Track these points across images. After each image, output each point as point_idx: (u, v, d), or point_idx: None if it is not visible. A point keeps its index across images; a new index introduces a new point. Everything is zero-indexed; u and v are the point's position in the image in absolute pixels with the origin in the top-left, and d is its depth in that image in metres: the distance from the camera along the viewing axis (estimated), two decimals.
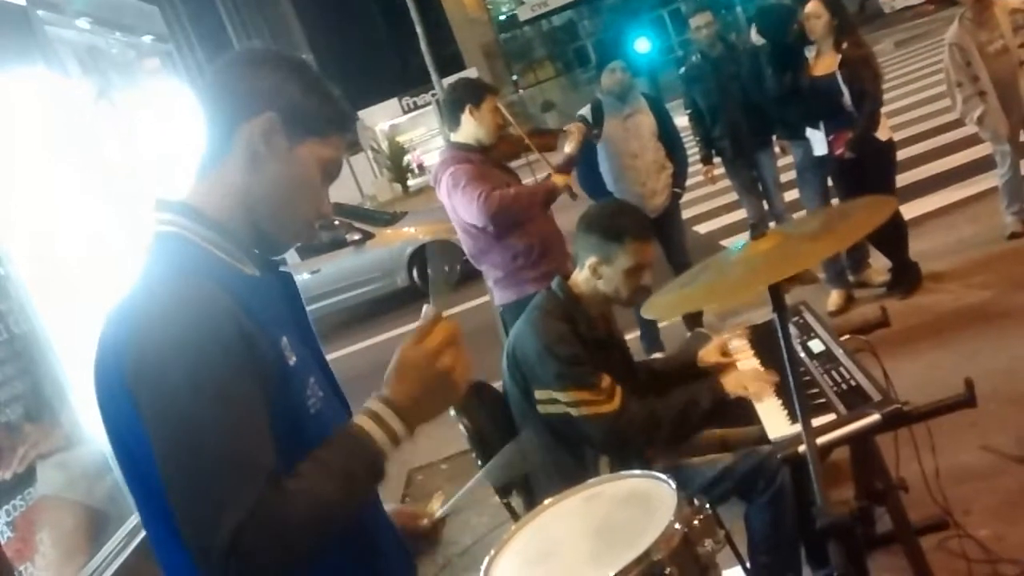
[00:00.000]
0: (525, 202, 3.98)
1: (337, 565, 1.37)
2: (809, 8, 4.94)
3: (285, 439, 1.27)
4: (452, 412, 2.81)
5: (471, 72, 30.32)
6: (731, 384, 2.66)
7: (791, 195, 6.06)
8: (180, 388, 1.19)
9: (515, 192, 3.98)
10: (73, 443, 2.48)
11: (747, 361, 2.88)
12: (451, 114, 4.10)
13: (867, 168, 4.94)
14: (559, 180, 4.11)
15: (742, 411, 2.65)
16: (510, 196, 3.92)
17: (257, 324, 1.28)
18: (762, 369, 2.73)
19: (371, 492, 1.38)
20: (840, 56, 4.92)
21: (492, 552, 1.87)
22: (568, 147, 4.39)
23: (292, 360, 1.34)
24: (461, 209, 3.98)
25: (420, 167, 29.50)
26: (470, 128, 4.03)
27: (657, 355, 5.46)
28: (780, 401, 2.53)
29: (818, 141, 5.14)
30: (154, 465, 1.22)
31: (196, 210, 1.37)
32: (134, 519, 2.55)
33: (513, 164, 4.46)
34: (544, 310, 2.75)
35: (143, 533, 2.51)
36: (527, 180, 4.55)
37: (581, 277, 2.77)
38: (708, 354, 2.95)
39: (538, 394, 2.68)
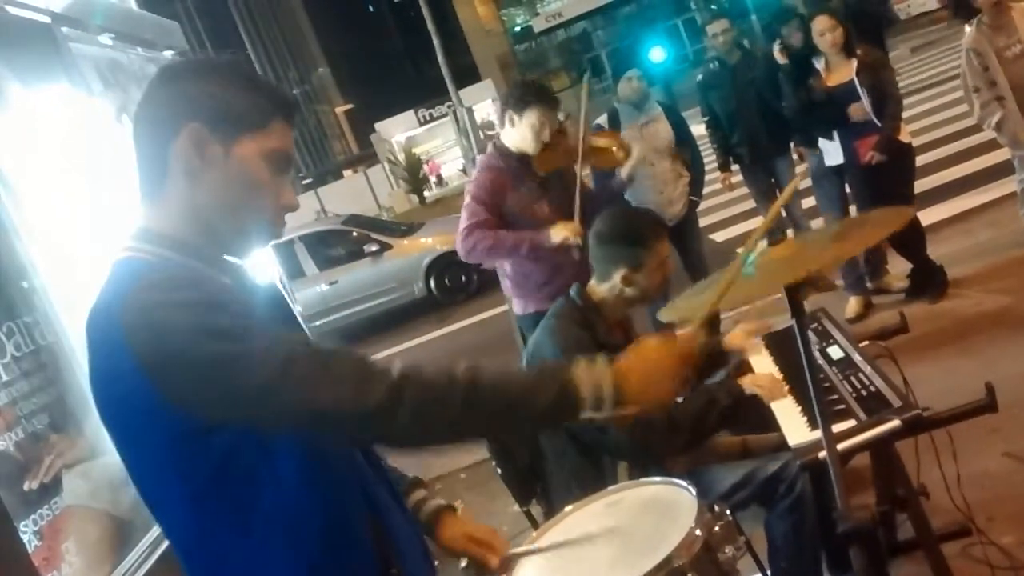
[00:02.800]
0: (505, 252, 3.75)
1: (356, 567, 1.38)
2: (821, 24, 4.97)
3: (285, 445, 1.29)
4: None
5: (486, 83, 30.44)
6: (746, 383, 2.66)
7: (809, 202, 6.05)
8: (202, 336, 1.20)
9: (496, 240, 3.71)
10: (97, 453, 2.51)
11: (761, 358, 2.88)
12: (500, 114, 3.96)
13: (887, 172, 4.94)
14: (557, 234, 3.67)
15: (761, 418, 2.65)
16: (489, 242, 3.70)
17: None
18: (777, 378, 2.71)
19: (546, 418, 1.39)
20: (855, 63, 4.94)
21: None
22: (624, 171, 4.07)
23: None
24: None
25: (438, 177, 29.57)
26: (511, 133, 3.85)
27: None
28: (800, 407, 2.52)
29: (832, 152, 5.14)
30: (170, 468, 1.24)
31: (153, 233, 1.36)
32: (158, 528, 2.57)
33: None
34: (562, 317, 2.76)
35: (167, 542, 2.54)
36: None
37: (604, 287, 2.76)
38: (735, 337, 2.96)
39: None
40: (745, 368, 2.86)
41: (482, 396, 1.28)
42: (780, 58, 5.33)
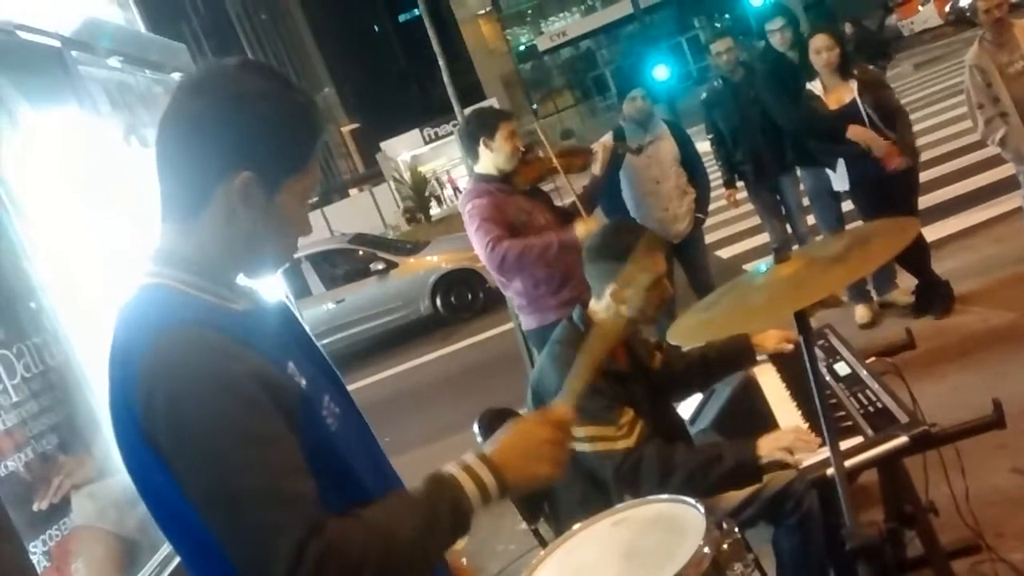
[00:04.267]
0: (536, 255, 3.86)
1: None
2: (819, 42, 4.94)
3: (314, 463, 1.28)
4: (479, 439, 2.83)
5: (492, 102, 30.56)
6: (766, 448, 2.42)
7: (813, 219, 6.06)
8: (204, 439, 1.21)
9: (525, 245, 3.86)
10: (105, 474, 2.51)
11: (775, 387, 2.85)
12: (469, 148, 4.11)
13: (891, 188, 4.94)
14: (581, 229, 3.87)
15: (767, 432, 2.63)
16: (518, 249, 3.83)
17: (266, 355, 1.30)
18: (795, 415, 2.65)
19: (451, 541, 1.35)
20: (855, 83, 4.94)
21: None
22: (594, 168, 4.37)
23: (303, 383, 1.35)
24: (476, 249, 4.01)
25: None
26: (488, 159, 4.04)
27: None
28: (807, 424, 2.52)
29: (839, 176, 5.13)
30: (184, 504, 1.23)
31: (177, 256, 1.36)
32: (165, 548, 2.57)
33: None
34: (564, 343, 2.71)
35: (175, 562, 2.54)
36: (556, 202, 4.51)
37: (601, 306, 2.72)
38: (767, 339, 2.91)
39: None
40: (751, 389, 2.84)
41: (394, 555, 1.25)
42: (780, 45, 5.34)
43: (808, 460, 2.33)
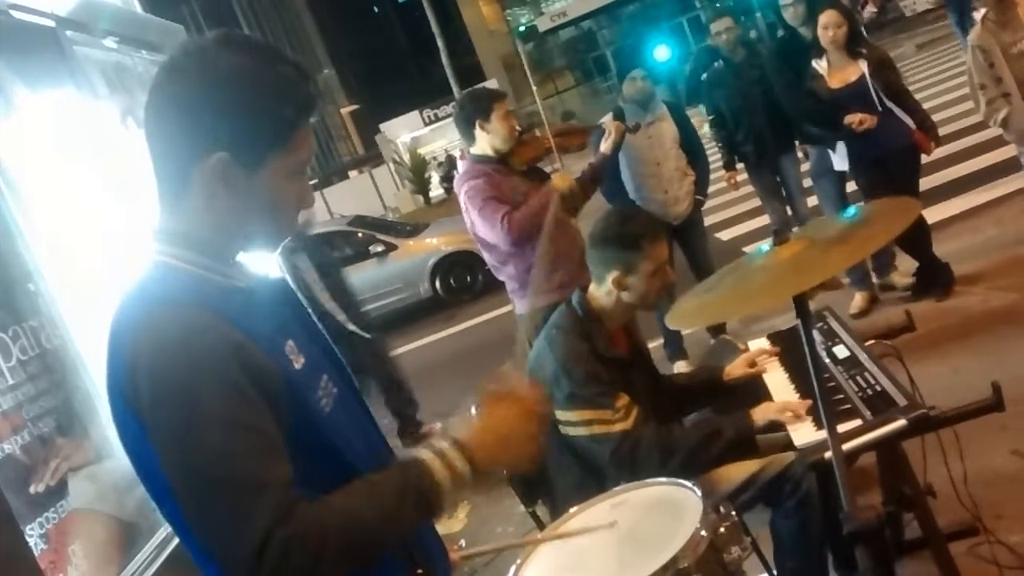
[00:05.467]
0: (538, 210, 3.88)
1: (384, 568, 1.38)
2: (827, 18, 4.89)
3: (300, 444, 1.29)
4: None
5: (492, 83, 30.48)
6: (760, 416, 2.53)
7: (815, 200, 6.04)
8: (179, 419, 1.21)
9: (526, 207, 3.90)
10: (103, 456, 2.51)
11: (775, 371, 2.85)
12: (465, 131, 4.11)
13: (893, 169, 4.92)
14: (558, 181, 4.02)
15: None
16: (525, 213, 3.88)
17: (256, 337, 1.29)
18: (791, 392, 2.65)
19: (418, 523, 1.35)
20: (864, 62, 4.90)
21: (519, 561, 1.88)
22: (604, 145, 4.36)
23: (300, 363, 1.35)
24: (483, 230, 4.00)
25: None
26: (484, 140, 4.03)
27: (681, 364, 5.45)
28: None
29: (840, 156, 5.11)
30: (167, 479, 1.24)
31: (178, 235, 1.35)
32: (163, 531, 2.57)
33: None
34: (562, 328, 2.70)
35: (173, 544, 2.54)
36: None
37: (602, 291, 2.71)
38: (735, 368, 2.90)
39: (558, 414, 2.59)
40: (761, 395, 2.82)
41: (356, 539, 1.25)
42: (793, 20, 5.32)
43: (806, 440, 2.33)
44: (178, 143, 1.32)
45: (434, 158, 30.72)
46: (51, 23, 2.99)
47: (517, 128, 4.08)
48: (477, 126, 4.01)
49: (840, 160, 5.13)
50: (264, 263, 1.53)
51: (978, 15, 4.95)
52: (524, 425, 1.42)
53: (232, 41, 1.34)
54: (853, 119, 4.80)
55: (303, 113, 1.36)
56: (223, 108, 1.29)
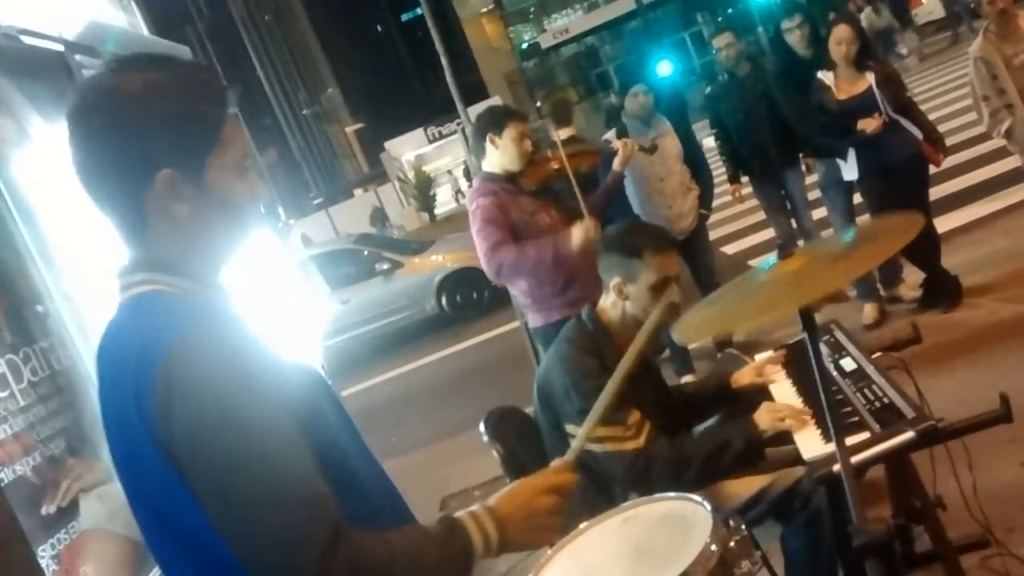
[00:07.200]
0: (533, 258, 3.78)
1: None
2: (841, 33, 4.93)
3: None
4: (485, 438, 2.83)
5: (495, 100, 30.58)
6: (765, 421, 2.54)
7: (819, 213, 6.05)
8: (227, 441, 1.19)
9: (520, 255, 3.78)
10: (113, 476, 2.50)
11: (781, 383, 2.85)
12: (477, 145, 4.07)
13: (903, 181, 4.92)
14: (578, 236, 3.74)
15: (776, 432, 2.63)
16: (512, 257, 3.77)
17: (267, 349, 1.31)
18: (797, 403, 2.64)
19: None
20: (870, 75, 4.93)
21: None
22: (616, 164, 4.31)
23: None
24: (478, 250, 3.97)
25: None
26: (495, 157, 3.99)
27: (688, 378, 5.45)
28: (813, 420, 2.51)
29: (850, 166, 5.12)
30: (188, 514, 1.22)
31: (160, 262, 1.33)
32: None
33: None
34: (572, 343, 2.71)
35: None
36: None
37: (608, 302, 2.74)
38: (742, 376, 2.92)
39: (568, 428, 2.61)
40: (763, 388, 2.83)
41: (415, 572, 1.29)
42: (798, 44, 5.33)
43: (814, 453, 2.33)
44: (120, 177, 1.30)
45: (448, 171, 30.84)
46: (59, 47, 3.02)
47: (528, 150, 3.97)
48: (488, 139, 3.96)
49: (849, 170, 5.13)
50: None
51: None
52: (552, 510, 1.46)
53: (126, 63, 1.33)
54: (866, 123, 4.83)
55: (222, 105, 1.35)
56: (147, 126, 1.28)
